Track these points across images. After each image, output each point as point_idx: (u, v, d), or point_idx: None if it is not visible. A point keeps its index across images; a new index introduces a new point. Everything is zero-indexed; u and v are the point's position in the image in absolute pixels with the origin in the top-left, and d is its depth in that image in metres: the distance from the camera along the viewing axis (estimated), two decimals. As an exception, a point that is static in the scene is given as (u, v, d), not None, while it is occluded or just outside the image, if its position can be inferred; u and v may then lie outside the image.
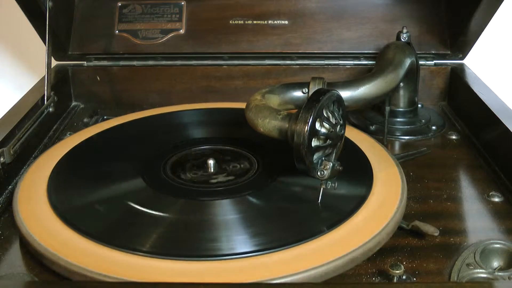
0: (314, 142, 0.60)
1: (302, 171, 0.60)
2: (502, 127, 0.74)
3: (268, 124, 0.63)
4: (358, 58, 0.96)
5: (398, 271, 0.53)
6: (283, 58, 0.96)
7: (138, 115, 0.86)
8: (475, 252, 0.58)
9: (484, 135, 0.80)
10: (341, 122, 0.62)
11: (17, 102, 0.82)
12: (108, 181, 0.68)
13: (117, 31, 0.98)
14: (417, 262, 0.58)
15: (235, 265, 0.53)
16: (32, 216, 0.61)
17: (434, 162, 0.78)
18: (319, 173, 0.61)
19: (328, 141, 0.61)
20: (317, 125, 0.59)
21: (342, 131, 0.63)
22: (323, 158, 0.61)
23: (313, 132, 0.59)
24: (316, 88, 0.70)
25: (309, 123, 0.58)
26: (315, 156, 0.60)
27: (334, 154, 0.63)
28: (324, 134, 0.60)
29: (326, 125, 0.60)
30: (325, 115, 0.60)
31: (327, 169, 0.61)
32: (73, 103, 0.98)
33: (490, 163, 0.76)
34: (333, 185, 0.62)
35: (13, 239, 0.62)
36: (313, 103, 0.59)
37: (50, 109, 0.85)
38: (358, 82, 0.75)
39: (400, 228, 0.62)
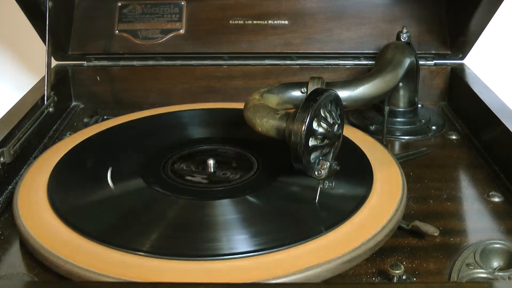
0: (312, 142, 0.60)
1: (300, 171, 0.60)
2: (502, 127, 0.74)
3: (266, 124, 0.63)
4: (358, 58, 0.96)
5: (398, 271, 0.53)
6: (283, 58, 0.96)
7: (138, 115, 0.86)
8: (475, 252, 0.57)
9: (484, 135, 0.80)
10: (339, 121, 0.62)
11: (17, 102, 0.82)
12: (108, 181, 0.68)
13: (117, 31, 0.98)
14: (417, 262, 0.58)
15: (235, 265, 0.53)
16: (32, 216, 0.61)
17: (434, 162, 0.78)
18: (316, 173, 0.61)
19: (326, 141, 0.61)
20: (315, 125, 0.59)
21: (340, 131, 0.63)
22: (321, 158, 0.61)
23: (311, 132, 0.59)
24: (315, 88, 0.70)
25: (307, 123, 0.58)
26: (312, 156, 0.60)
27: (331, 154, 0.63)
28: (321, 133, 0.60)
29: (324, 125, 0.60)
30: (323, 115, 0.60)
31: (324, 168, 0.61)
32: (73, 103, 0.98)
33: (490, 163, 0.76)
34: (330, 184, 0.62)
35: (13, 239, 0.62)
36: (310, 103, 0.59)
37: (50, 109, 0.85)
38: (357, 82, 0.75)
39: (400, 228, 0.62)
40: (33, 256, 0.58)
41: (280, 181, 0.68)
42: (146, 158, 0.73)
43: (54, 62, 0.96)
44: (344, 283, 0.54)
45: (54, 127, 0.87)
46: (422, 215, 0.65)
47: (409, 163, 0.77)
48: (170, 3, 0.99)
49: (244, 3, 0.98)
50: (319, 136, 0.60)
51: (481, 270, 0.55)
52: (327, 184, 0.62)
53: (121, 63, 0.97)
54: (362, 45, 0.96)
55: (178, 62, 0.97)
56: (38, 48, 0.96)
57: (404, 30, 0.87)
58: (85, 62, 0.97)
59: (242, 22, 0.98)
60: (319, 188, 0.62)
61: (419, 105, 0.91)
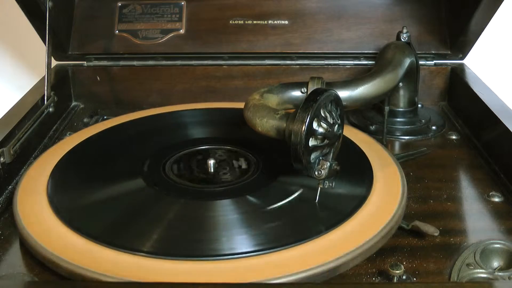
0: (312, 142, 0.60)
1: (300, 171, 0.60)
2: (502, 127, 0.74)
3: (266, 124, 0.63)
4: (358, 58, 0.96)
5: (398, 271, 0.53)
6: (283, 58, 0.96)
7: (138, 115, 0.86)
8: (475, 252, 0.57)
9: (484, 135, 0.80)
10: (339, 121, 0.62)
11: (17, 102, 0.82)
12: (108, 181, 0.68)
13: (117, 31, 0.98)
14: (417, 262, 0.58)
15: (235, 265, 0.53)
16: (32, 216, 0.61)
17: (434, 162, 0.78)
18: (316, 173, 0.61)
19: (326, 141, 0.61)
20: (315, 125, 0.59)
21: (340, 131, 0.63)
22: (321, 158, 0.61)
23: (311, 132, 0.59)
24: (315, 88, 0.70)
25: (307, 123, 0.58)
26: (312, 156, 0.60)
27: (331, 154, 0.63)
28: (321, 133, 0.60)
29: (324, 125, 0.60)
30: (323, 115, 0.60)
31: (324, 168, 0.61)
32: (73, 103, 0.98)
33: (490, 163, 0.76)
34: (330, 184, 0.62)
35: (13, 239, 0.62)
36: (310, 103, 0.59)
37: (50, 109, 0.85)
38: (357, 82, 0.75)
39: (400, 228, 0.62)
40: (33, 256, 0.58)
41: (280, 181, 0.68)
42: (146, 158, 0.73)
43: (54, 62, 0.96)
44: (344, 283, 0.54)
45: (54, 127, 0.87)
46: (422, 215, 0.65)
47: (409, 163, 0.77)
48: (170, 3, 0.99)
49: (244, 3, 0.98)
50: (319, 136, 0.60)
51: (481, 270, 0.55)
52: (327, 184, 0.62)
53: (121, 63, 0.97)
54: (362, 45, 0.96)
55: (178, 62, 0.97)
56: (38, 48, 0.96)
57: (404, 30, 0.87)
58: (85, 62, 0.97)
59: (242, 22, 0.98)
60: (319, 188, 0.62)
61: (419, 105, 0.91)
